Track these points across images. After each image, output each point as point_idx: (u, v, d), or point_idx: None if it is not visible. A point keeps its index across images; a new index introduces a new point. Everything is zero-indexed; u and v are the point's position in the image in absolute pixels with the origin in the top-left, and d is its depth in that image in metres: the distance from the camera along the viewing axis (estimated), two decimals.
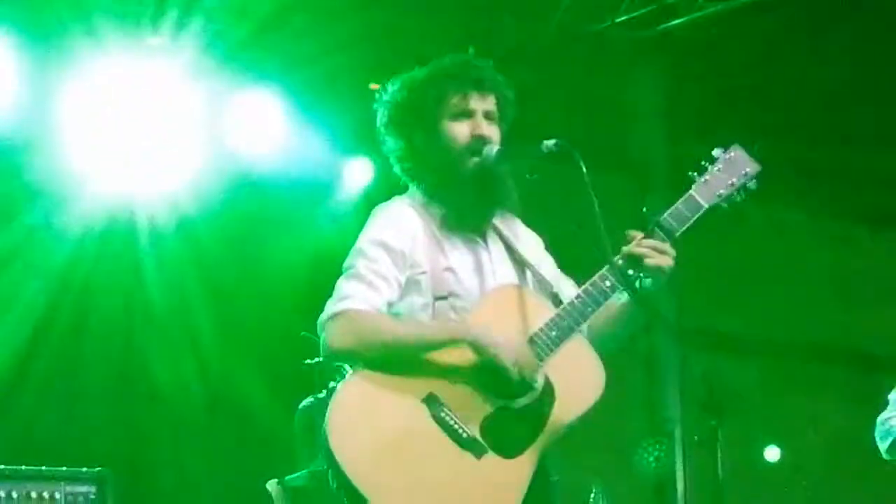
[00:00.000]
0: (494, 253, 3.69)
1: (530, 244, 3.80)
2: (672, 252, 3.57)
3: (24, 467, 5.56)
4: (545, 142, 3.55)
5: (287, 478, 5.71)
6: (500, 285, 3.63)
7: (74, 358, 6.83)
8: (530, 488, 3.46)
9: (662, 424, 8.48)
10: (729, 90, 8.35)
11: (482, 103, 3.68)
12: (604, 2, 7.90)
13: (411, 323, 3.55)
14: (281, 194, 7.34)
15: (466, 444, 3.42)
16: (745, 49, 8.22)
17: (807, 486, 9.05)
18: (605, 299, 3.55)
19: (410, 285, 3.57)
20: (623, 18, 7.91)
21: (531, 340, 3.52)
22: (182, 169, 7.04)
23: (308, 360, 5.17)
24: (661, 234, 3.58)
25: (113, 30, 6.63)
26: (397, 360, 3.45)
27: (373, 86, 3.84)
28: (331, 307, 3.52)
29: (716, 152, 3.71)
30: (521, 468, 3.46)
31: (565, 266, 3.80)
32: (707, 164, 3.69)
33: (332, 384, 4.84)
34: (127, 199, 6.96)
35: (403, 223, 3.61)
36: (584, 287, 3.57)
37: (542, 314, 3.55)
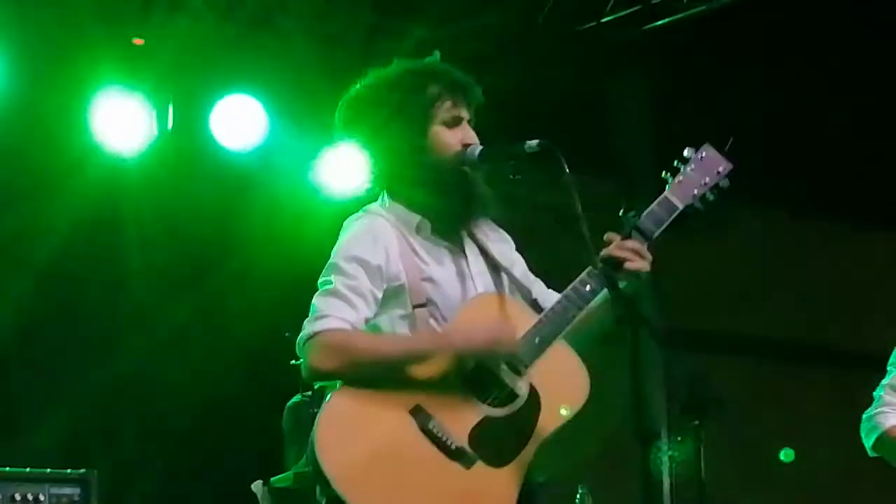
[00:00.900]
0: (472, 259, 3.66)
1: (503, 247, 3.78)
2: (649, 256, 3.56)
3: (7, 469, 5.56)
4: (528, 142, 3.53)
5: (273, 479, 5.70)
6: (479, 294, 3.60)
7: (58, 358, 6.82)
8: (519, 493, 3.46)
9: (654, 424, 8.48)
10: (715, 91, 8.35)
11: (468, 111, 3.66)
12: (589, 2, 7.88)
13: (391, 338, 3.52)
14: (266, 189, 7.32)
15: (455, 454, 3.41)
16: (732, 49, 8.22)
17: (798, 485, 9.06)
18: (587, 304, 3.53)
19: (389, 297, 3.53)
20: (608, 19, 7.90)
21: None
22: (165, 162, 7.02)
23: (294, 361, 5.16)
24: (639, 236, 3.57)
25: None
26: (382, 375, 3.43)
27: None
28: (309, 327, 3.46)
29: (687, 152, 3.69)
30: (510, 476, 3.45)
31: (546, 267, 3.79)
32: (680, 164, 3.67)
33: (318, 384, 4.82)
34: (112, 193, 6.93)
35: (378, 236, 3.56)
36: (565, 292, 3.55)
37: (523, 321, 3.53)
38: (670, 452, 8.16)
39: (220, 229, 7.19)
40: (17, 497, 5.53)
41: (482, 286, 3.63)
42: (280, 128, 7.31)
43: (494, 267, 3.70)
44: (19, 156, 6.68)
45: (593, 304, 3.57)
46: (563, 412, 3.51)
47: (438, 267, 3.60)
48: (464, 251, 3.67)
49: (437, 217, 3.64)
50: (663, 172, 3.68)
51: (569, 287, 3.56)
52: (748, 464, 8.84)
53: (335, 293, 3.48)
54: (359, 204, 3.73)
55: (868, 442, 4.84)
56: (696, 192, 3.65)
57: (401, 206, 3.65)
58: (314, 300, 3.52)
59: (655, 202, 3.63)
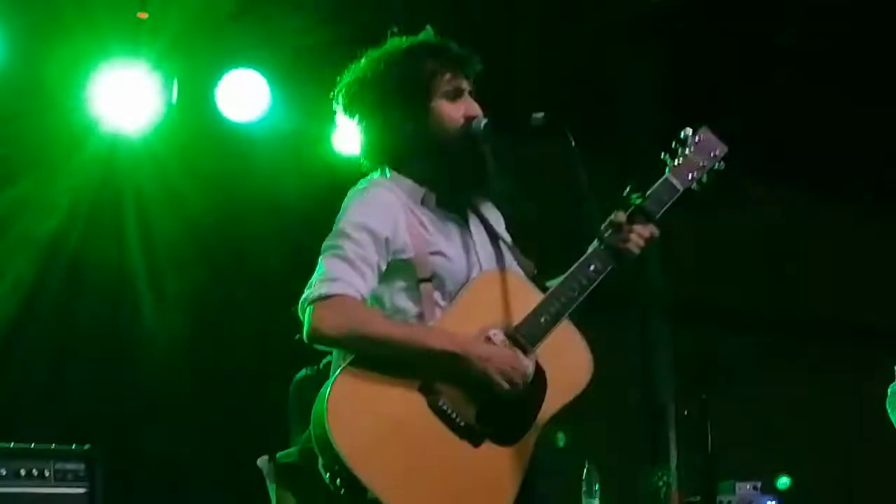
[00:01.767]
0: (476, 233, 3.65)
1: (500, 222, 3.78)
2: (656, 234, 3.62)
3: (12, 444, 5.56)
4: (534, 115, 3.53)
5: (278, 454, 5.68)
6: (483, 273, 3.58)
7: (62, 333, 6.81)
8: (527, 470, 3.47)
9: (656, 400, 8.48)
10: (725, 70, 8.31)
11: (468, 82, 3.64)
12: None
13: (403, 325, 3.48)
14: (271, 161, 7.29)
15: (463, 432, 3.41)
16: (739, 28, 8.17)
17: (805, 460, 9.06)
18: (592, 283, 3.55)
19: (393, 269, 3.51)
20: None
21: (520, 328, 3.50)
22: (169, 137, 6.99)
23: (300, 335, 5.14)
24: (642, 217, 3.62)
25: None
26: (388, 356, 3.41)
27: None
28: (320, 287, 3.42)
29: (684, 134, 3.76)
30: (519, 454, 3.46)
31: (550, 244, 3.78)
32: (678, 146, 3.74)
33: (326, 359, 4.80)
34: (116, 168, 6.90)
35: (387, 206, 3.53)
36: (570, 270, 3.56)
37: (529, 299, 3.54)
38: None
39: (225, 202, 7.17)
40: (22, 472, 5.52)
41: (485, 259, 3.62)
42: (283, 101, 7.28)
43: (495, 239, 3.69)
44: (21, 131, 6.66)
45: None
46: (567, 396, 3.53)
47: (446, 241, 3.58)
48: (468, 225, 3.65)
49: (443, 189, 3.62)
50: (662, 154, 3.75)
51: (574, 265, 3.57)
52: (755, 436, 8.85)
53: (345, 259, 3.44)
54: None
55: (895, 416, 4.86)
56: (694, 174, 3.73)
57: (406, 178, 3.62)
58: (322, 261, 3.47)
59: (658, 183, 3.70)
